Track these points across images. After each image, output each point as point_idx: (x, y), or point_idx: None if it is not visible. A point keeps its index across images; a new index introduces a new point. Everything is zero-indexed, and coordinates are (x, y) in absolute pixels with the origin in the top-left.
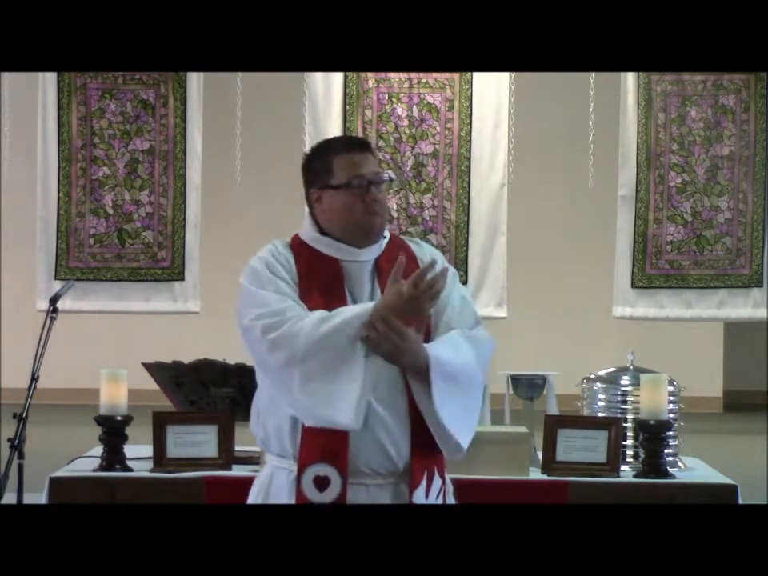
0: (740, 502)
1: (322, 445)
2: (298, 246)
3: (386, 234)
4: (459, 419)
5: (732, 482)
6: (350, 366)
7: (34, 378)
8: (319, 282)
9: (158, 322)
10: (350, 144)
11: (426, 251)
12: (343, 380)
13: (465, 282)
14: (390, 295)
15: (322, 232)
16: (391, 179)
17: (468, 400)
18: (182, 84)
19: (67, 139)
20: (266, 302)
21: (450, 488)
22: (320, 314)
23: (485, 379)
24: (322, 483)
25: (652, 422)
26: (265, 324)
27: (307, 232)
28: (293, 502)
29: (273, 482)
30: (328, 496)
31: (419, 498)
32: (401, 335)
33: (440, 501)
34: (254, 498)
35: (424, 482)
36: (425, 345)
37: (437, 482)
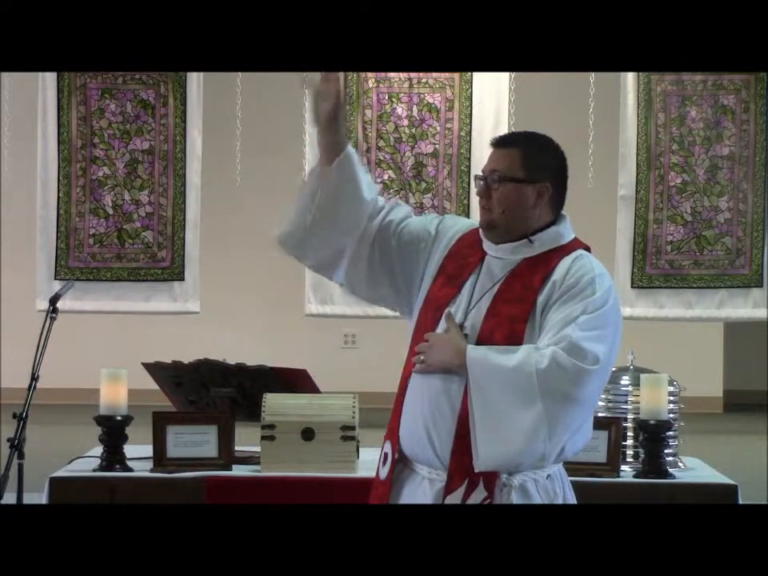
0: (740, 502)
1: (389, 422)
2: (476, 231)
3: (552, 242)
4: (488, 425)
5: (732, 482)
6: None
7: (34, 378)
8: (455, 266)
9: (158, 322)
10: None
11: (561, 267)
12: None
13: None
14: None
15: None
16: (483, 179)
17: (505, 406)
18: (181, 84)
19: (67, 139)
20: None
21: (506, 497)
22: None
23: (548, 407)
24: (384, 458)
25: (652, 422)
26: None
27: None
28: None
29: None
30: (383, 472)
31: (453, 502)
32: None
33: None
34: None
35: (462, 489)
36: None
37: (479, 493)
